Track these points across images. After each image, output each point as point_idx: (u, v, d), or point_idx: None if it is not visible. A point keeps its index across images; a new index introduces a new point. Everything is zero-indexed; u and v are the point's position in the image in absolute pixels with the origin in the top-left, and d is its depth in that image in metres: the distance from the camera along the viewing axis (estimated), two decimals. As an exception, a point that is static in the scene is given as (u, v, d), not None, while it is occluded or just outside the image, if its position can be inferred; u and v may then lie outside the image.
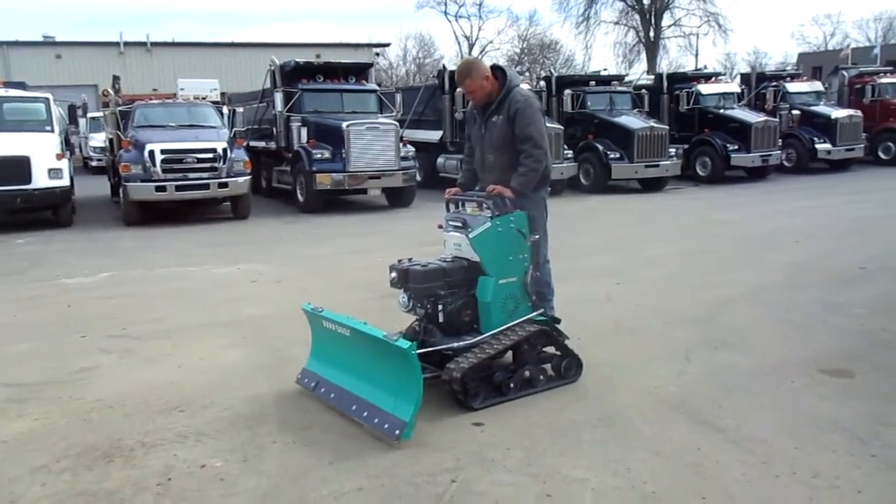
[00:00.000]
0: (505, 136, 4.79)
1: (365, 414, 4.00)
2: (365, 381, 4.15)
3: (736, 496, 3.22)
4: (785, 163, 19.28)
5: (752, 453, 3.63)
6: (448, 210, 4.89)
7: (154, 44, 35.15)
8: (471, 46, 54.64)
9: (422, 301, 4.48)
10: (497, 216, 4.55)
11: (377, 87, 15.84)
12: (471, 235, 4.54)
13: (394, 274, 4.58)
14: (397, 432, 3.75)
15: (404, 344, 3.77)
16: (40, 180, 11.76)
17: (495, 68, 4.89)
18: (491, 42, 56.53)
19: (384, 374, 4.01)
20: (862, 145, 19.81)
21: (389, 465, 3.56)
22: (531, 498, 3.24)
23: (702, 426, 3.97)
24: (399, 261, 4.65)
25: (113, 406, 4.39)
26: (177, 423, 4.12)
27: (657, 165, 16.49)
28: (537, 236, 4.76)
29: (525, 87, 5.05)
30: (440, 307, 4.48)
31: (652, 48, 43.85)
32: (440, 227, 4.88)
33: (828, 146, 19.23)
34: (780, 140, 18.52)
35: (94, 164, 23.54)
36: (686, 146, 18.13)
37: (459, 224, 4.68)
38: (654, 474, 3.43)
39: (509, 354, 4.51)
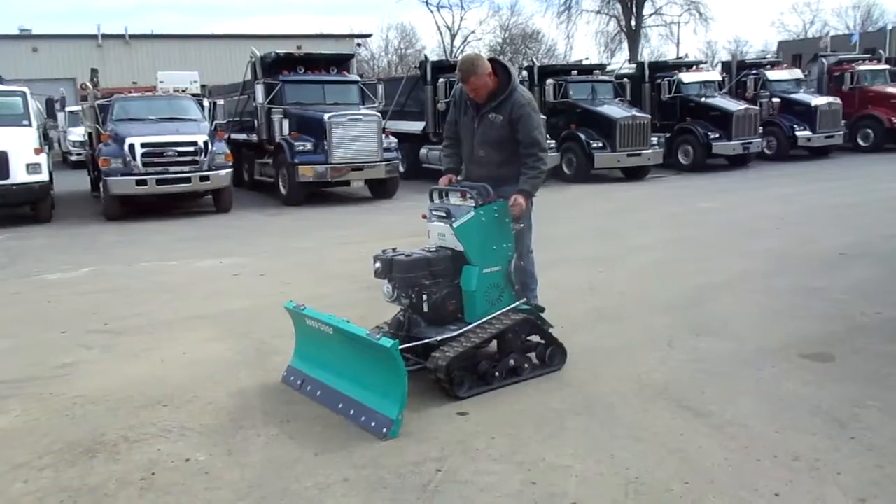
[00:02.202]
0: (503, 136, 4.76)
1: (351, 412, 4.00)
2: (350, 380, 4.14)
3: (718, 480, 3.26)
4: (766, 150, 19.41)
5: (733, 438, 3.67)
6: (432, 200, 4.88)
7: (132, 36, 34.69)
8: (452, 37, 54.44)
9: (406, 291, 4.48)
10: (481, 206, 4.55)
11: (359, 79, 15.75)
12: (455, 225, 4.54)
13: (378, 264, 4.57)
14: (384, 430, 3.76)
15: (387, 342, 3.76)
16: (18, 175, 11.60)
17: (495, 63, 4.78)
18: (473, 32, 56.39)
19: (369, 371, 4.01)
20: (841, 132, 19.98)
21: (374, 456, 3.56)
22: (516, 485, 3.26)
23: (684, 412, 4.00)
24: (383, 251, 4.64)
25: (95, 401, 4.36)
26: (160, 418, 4.10)
27: (639, 154, 16.55)
28: (521, 225, 4.77)
29: None
30: (425, 297, 4.47)
31: (633, 37, 43.88)
32: (424, 217, 4.87)
33: (808, 133, 19.38)
34: (761, 128, 18.64)
35: (73, 158, 23.27)
36: (668, 135, 18.18)
37: (443, 214, 4.68)
38: (638, 460, 3.45)
39: (494, 343, 4.52)
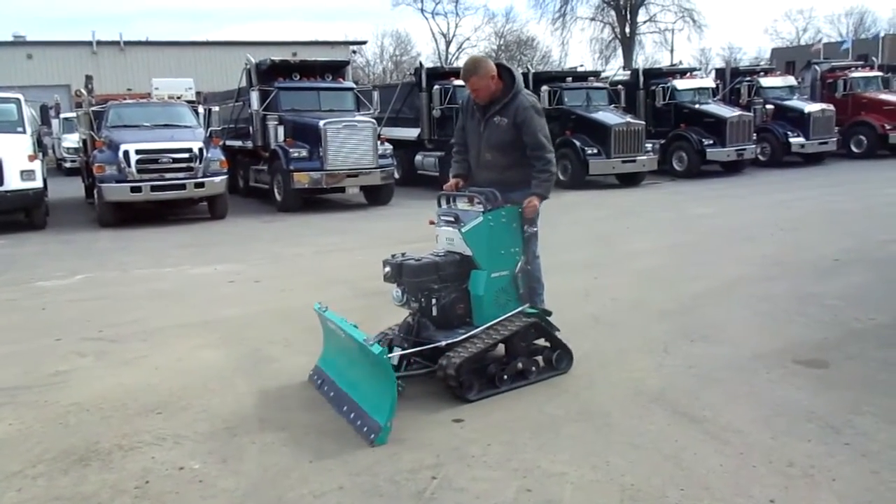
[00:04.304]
0: (508, 140, 4.79)
1: (352, 415, 4.03)
2: (354, 383, 4.19)
3: (713, 487, 3.26)
4: (759, 157, 19.49)
5: (728, 444, 3.67)
6: (440, 205, 4.92)
7: (127, 43, 34.67)
8: (448, 43, 54.68)
9: (416, 295, 4.52)
10: (489, 210, 4.59)
11: (354, 85, 15.77)
12: (463, 230, 4.60)
13: (387, 268, 4.62)
14: (372, 436, 3.78)
15: (376, 349, 3.79)
16: (12, 182, 11.58)
17: (501, 67, 4.84)
18: (468, 39, 56.62)
19: (366, 376, 4.05)
20: (834, 139, 20.06)
21: (370, 464, 3.55)
22: (511, 493, 3.25)
23: (680, 418, 4.00)
24: (393, 255, 4.69)
25: (89, 409, 4.34)
26: (154, 426, 4.08)
27: (634, 161, 16.57)
28: (536, 229, 4.82)
29: None
30: (434, 301, 4.52)
31: (628, 44, 44.13)
32: (432, 222, 4.91)
33: (801, 140, 19.46)
34: (755, 134, 18.72)
35: (67, 165, 23.23)
36: (662, 141, 18.26)
37: (452, 219, 4.73)
38: (633, 467, 3.45)
39: (501, 347, 4.55)
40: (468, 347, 4.29)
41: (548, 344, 4.75)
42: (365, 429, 3.85)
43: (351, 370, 4.25)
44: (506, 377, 4.42)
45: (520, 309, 4.64)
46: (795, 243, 9.18)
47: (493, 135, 4.83)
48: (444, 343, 4.35)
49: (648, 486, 3.28)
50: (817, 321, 5.81)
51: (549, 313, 4.87)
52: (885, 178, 16.41)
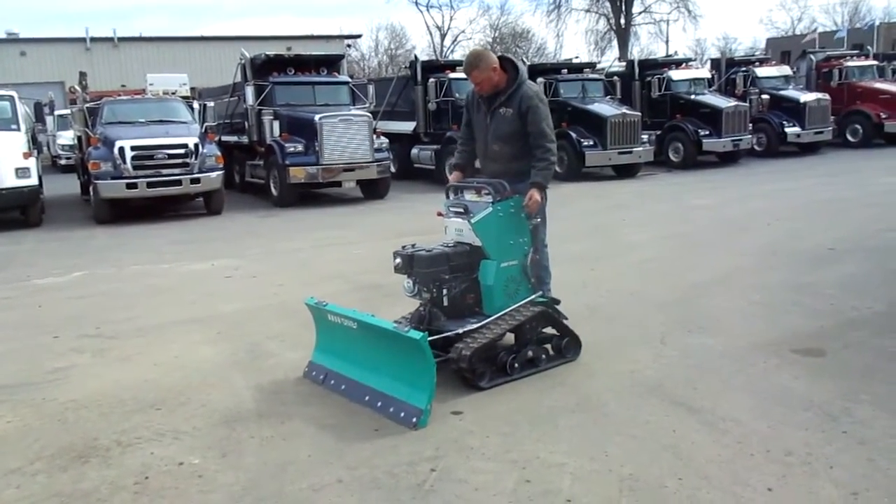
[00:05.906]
0: (514, 130, 4.86)
1: (379, 404, 4.06)
2: (376, 372, 4.21)
3: (711, 476, 3.27)
4: (756, 147, 19.48)
5: (726, 433, 3.68)
6: (448, 197, 4.96)
7: (121, 39, 34.51)
8: (442, 36, 54.43)
9: (427, 285, 4.55)
10: (498, 201, 4.62)
11: (349, 79, 15.74)
12: (473, 221, 4.65)
13: (398, 260, 4.67)
14: (414, 420, 3.83)
15: (416, 335, 3.84)
16: (7, 180, 11.55)
17: (504, 59, 4.91)
18: (463, 32, 56.43)
19: (396, 364, 4.08)
20: (830, 128, 20.06)
21: (368, 457, 3.56)
22: (510, 484, 3.26)
23: (677, 408, 4.02)
24: (403, 247, 4.74)
25: (88, 406, 4.34)
26: (153, 422, 4.09)
27: (630, 152, 16.56)
28: (538, 219, 4.87)
29: None
30: (444, 291, 4.57)
31: (623, 35, 43.97)
32: (440, 214, 4.96)
33: (797, 130, 19.45)
34: (751, 124, 18.70)
35: (62, 162, 23.18)
36: (658, 132, 18.23)
37: (461, 210, 4.77)
38: (631, 457, 3.46)
39: (510, 335, 4.59)
40: (480, 337, 4.34)
41: (557, 332, 4.81)
42: (402, 414, 3.89)
43: (369, 359, 4.27)
44: (517, 365, 4.48)
45: (529, 298, 4.70)
46: (791, 233, 9.20)
47: (500, 126, 4.90)
48: (461, 331, 4.41)
49: (647, 475, 3.29)
50: (814, 310, 5.83)
51: (558, 302, 4.94)
52: (881, 167, 16.41)
